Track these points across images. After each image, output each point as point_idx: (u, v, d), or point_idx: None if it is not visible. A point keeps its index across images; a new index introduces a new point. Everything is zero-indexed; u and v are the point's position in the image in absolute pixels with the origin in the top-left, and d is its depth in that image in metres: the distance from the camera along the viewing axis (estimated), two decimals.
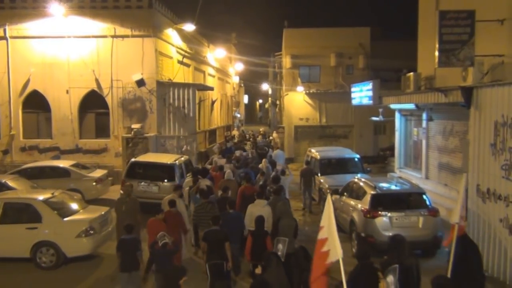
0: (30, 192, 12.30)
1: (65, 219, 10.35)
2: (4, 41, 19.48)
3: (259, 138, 30.11)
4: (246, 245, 8.31)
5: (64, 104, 19.75)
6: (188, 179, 13.01)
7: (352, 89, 21.66)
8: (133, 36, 19.22)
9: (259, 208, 9.30)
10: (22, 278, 9.77)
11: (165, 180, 14.14)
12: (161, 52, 20.40)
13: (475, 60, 11.36)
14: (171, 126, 20.08)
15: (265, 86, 57.18)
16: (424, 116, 15.93)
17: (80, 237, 10.13)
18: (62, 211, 10.56)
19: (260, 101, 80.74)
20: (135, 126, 19.03)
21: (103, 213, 10.97)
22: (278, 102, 41.61)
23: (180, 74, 22.47)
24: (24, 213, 10.40)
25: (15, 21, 19.38)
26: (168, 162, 14.62)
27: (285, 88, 29.73)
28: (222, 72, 36.07)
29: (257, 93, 72.37)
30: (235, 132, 36.36)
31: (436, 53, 11.49)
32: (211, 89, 26.79)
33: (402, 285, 5.62)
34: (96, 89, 19.63)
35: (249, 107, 76.64)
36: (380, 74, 25.34)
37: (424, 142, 16.21)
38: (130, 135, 18.89)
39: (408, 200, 10.79)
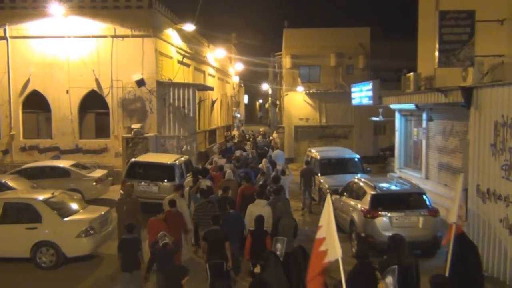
0: (30, 192, 12.30)
1: (65, 219, 10.35)
2: (4, 41, 19.48)
3: (259, 138, 30.12)
4: (245, 245, 8.32)
5: (64, 104, 19.75)
6: (189, 179, 13.03)
7: (352, 89, 21.66)
8: (133, 36, 19.23)
9: (259, 208, 9.31)
10: (22, 278, 9.77)
11: (165, 180, 14.14)
12: (161, 52, 20.40)
13: (475, 60, 11.36)
14: (171, 126, 20.08)
15: (265, 86, 57.21)
16: (424, 116, 15.92)
17: (80, 237, 10.13)
18: (62, 211, 10.55)
19: (260, 101, 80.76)
20: (135, 126, 19.03)
21: (103, 213, 10.97)
22: (278, 102, 41.62)
23: (180, 74, 22.47)
24: (24, 213, 10.40)
25: (15, 21, 19.39)
26: (168, 162, 14.62)
27: (285, 88, 29.74)
28: (222, 72, 36.08)
29: (257, 93, 72.39)
30: (235, 132, 36.36)
31: (436, 53, 11.48)
32: (211, 89, 26.79)
33: (402, 285, 5.62)
34: (96, 89, 19.63)
35: (249, 107, 76.65)
36: (380, 74, 25.35)
37: (424, 142, 16.20)
38: (130, 135, 18.90)
39: (408, 200, 10.79)
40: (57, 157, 19.50)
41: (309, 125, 27.87)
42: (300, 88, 27.97)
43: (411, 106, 16.43)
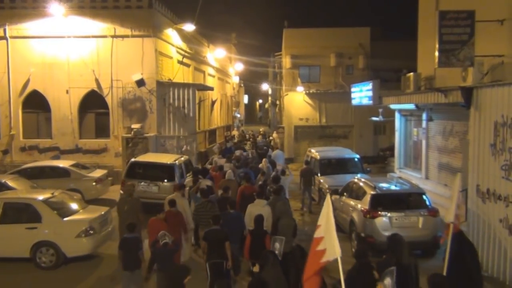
0: (30, 192, 12.29)
1: (65, 219, 10.35)
2: (4, 41, 19.48)
3: (259, 138, 30.13)
4: (245, 244, 8.33)
5: (64, 104, 19.75)
6: (189, 179, 13.04)
7: (352, 89, 21.66)
8: (133, 36, 19.23)
9: (258, 208, 9.32)
10: (22, 278, 9.77)
11: (165, 180, 14.14)
12: (161, 52, 20.40)
13: (475, 60, 11.36)
14: (171, 126, 20.08)
15: (265, 86, 57.21)
16: (424, 116, 15.92)
17: (80, 237, 10.13)
18: (62, 211, 10.55)
19: (260, 101, 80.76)
20: (135, 126, 19.03)
21: (103, 213, 10.97)
22: (278, 102, 41.62)
23: (180, 74, 22.47)
24: (24, 213, 10.40)
25: (15, 21, 19.38)
26: (168, 162, 14.63)
27: (285, 88, 29.74)
28: (222, 72, 36.08)
29: (257, 93, 72.39)
30: (235, 132, 36.37)
31: (436, 53, 11.48)
32: (211, 89, 26.79)
33: (401, 285, 5.62)
34: (96, 89, 19.63)
35: (249, 107, 76.66)
36: (380, 74, 25.35)
37: (424, 142, 16.20)
38: (130, 135, 18.90)
39: (408, 200, 10.79)
40: (57, 157, 19.49)
41: (309, 125, 27.86)
42: (300, 88, 27.97)
43: (411, 106, 16.43)
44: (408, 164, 18.36)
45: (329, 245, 5.16)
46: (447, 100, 11.71)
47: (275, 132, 32.42)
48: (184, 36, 23.45)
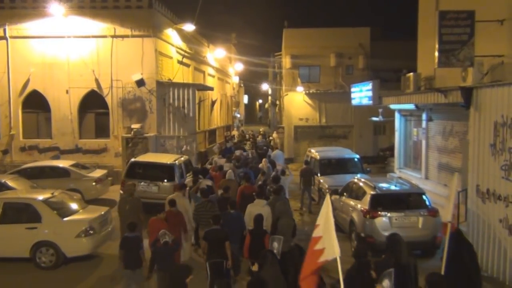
0: (30, 192, 12.29)
1: (65, 219, 10.35)
2: (4, 41, 19.47)
3: (259, 138, 30.13)
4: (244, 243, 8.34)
5: (64, 104, 19.75)
6: (189, 178, 13.05)
7: (352, 89, 21.67)
8: (133, 36, 19.23)
9: (258, 208, 9.33)
10: (22, 278, 9.77)
11: (165, 180, 14.13)
12: (161, 52, 20.40)
13: (475, 61, 11.37)
14: (171, 126, 20.08)
15: (265, 86, 57.22)
16: (424, 116, 15.92)
17: (79, 237, 10.12)
18: (62, 211, 10.55)
19: (260, 101, 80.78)
20: (135, 126, 19.03)
21: (102, 213, 10.97)
22: (278, 102, 41.63)
23: (180, 74, 22.47)
24: (23, 213, 10.39)
25: (15, 21, 19.38)
26: (168, 162, 14.62)
27: (285, 88, 29.73)
28: (222, 72, 36.08)
29: (257, 93, 72.41)
30: (235, 132, 36.37)
31: (436, 53, 11.49)
32: (211, 89, 26.79)
33: (400, 285, 5.62)
34: (96, 89, 19.63)
35: (249, 107, 76.68)
36: (380, 74, 25.36)
37: (423, 142, 16.20)
38: (130, 135, 18.89)
39: (408, 200, 10.79)
40: (57, 157, 19.49)
41: (309, 125, 27.86)
42: (300, 88, 27.97)
43: (411, 106, 16.43)
44: (408, 164, 18.36)
45: (328, 245, 5.16)
46: (447, 100, 11.72)
47: (275, 132, 32.42)
48: (184, 36, 23.45)
